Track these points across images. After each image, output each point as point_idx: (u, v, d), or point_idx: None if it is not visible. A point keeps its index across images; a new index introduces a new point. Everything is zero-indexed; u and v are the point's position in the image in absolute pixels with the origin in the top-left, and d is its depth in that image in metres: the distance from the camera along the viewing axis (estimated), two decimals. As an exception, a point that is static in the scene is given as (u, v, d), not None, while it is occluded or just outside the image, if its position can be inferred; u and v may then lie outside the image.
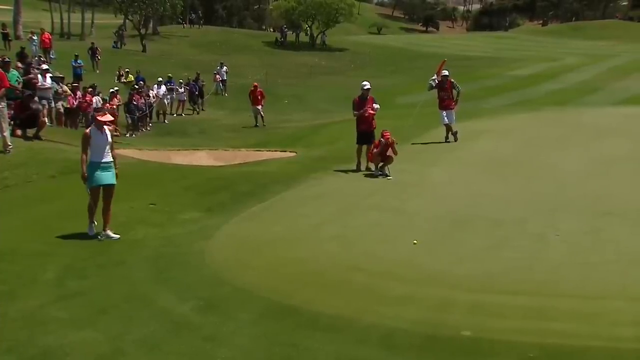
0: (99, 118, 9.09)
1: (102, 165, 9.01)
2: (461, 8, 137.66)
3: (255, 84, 28.50)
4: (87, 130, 9.13)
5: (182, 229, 9.69)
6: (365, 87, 14.16)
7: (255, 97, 27.04)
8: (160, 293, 7.09)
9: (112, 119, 9.26)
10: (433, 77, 17.14)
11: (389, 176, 13.24)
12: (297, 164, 15.36)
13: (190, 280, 7.47)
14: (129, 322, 6.30)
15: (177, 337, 6.01)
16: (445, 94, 17.01)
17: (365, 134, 13.92)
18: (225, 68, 38.54)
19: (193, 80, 32.99)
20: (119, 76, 34.13)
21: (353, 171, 13.89)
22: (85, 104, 22.89)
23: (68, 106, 21.70)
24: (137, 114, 24.97)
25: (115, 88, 25.99)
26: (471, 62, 49.88)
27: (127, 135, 24.33)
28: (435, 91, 17.22)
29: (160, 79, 29.98)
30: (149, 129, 26.78)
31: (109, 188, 9.13)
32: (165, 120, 28.88)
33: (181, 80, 31.97)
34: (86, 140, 8.99)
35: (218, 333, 6.08)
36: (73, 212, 9.90)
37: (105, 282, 7.40)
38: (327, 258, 8.16)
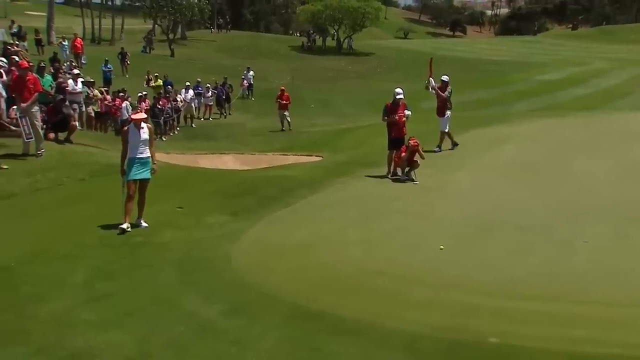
0: (133, 116, 9.65)
1: (138, 160, 9.52)
2: (489, 12, 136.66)
3: (282, 88, 28.60)
4: (126, 129, 9.64)
5: (208, 233, 9.76)
6: (398, 96, 14.00)
7: (281, 102, 27.16)
8: (186, 296, 7.15)
9: (144, 116, 9.65)
10: (429, 83, 16.65)
11: (415, 181, 13.19)
12: (323, 168, 15.37)
13: (216, 283, 7.52)
14: (155, 324, 6.36)
15: (203, 340, 6.06)
16: (441, 100, 16.60)
17: (397, 140, 13.86)
18: (251, 72, 38.78)
19: (220, 85, 33.25)
20: (148, 80, 34.54)
21: (381, 176, 13.85)
22: (115, 107, 23.22)
23: (98, 110, 22.02)
24: (162, 118, 25.21)
25: (144, 92, 26.29)
26: (498, 67, 49.50)
27: (156, 139, 24.58)
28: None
29: (188, 83, 30.26)
30: (176, 132, 27.01)
31: (143, 182, 9.66)
32: (193, 124, 29.10)
33: (208, 85, 32.22)
34: (124, 137, 9.56)
35: (243, 337, 6.11)
36: (102, 214, 10.04)
37: (132, 285, 7.48)
38: (351, 262, 8.16)
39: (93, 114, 21.20)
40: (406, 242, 9.04)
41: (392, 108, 14.01)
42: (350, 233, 9.55)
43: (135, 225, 9.64)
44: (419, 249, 8.69)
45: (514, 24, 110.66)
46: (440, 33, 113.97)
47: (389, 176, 13.82)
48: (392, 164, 13.91)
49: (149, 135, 9.66)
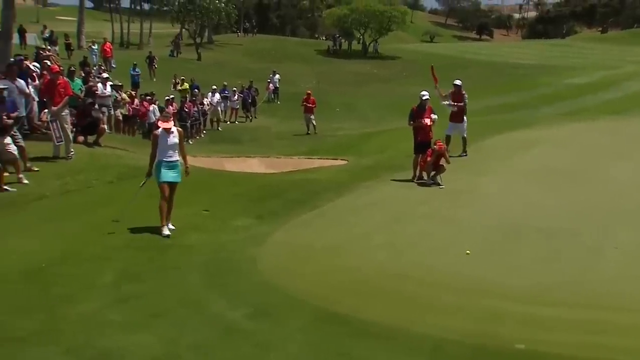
0: (161, 124, 9.64)
1: (166, 163, 9.56)
2: (516, 16, 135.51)
3: (308, 91, 28.69)
4: (157, 132, 9.67)
5: (234, 236, 9.81)
6: (424, 97, 13.99)
7: (307, 105, 27.21)
8: (212, 299, 7.19)
9: (169, 127, 9.56)
10: (445, 98, 16.17)
11: (441, 185, 13.13)
12: (348, 172, 15.37)
13: (242, 286, 7.56)
14: (182, 326, 6.41)
15: (229, 343, 6.09)
16: (455, 105, 16.18)
17: (423, 144, 13.79)
18: (277, 76, 38.96)
19: (246, 88, 33.47)
20: (175, 84, 34.88)
21: (407, 181, 13.80)
22: (143, 110, 23.45)
23: (126, 113, 22.27)
24: (189, 122, 25.42)
25: (171, 96, 26.54)
26: (526, 71, 49.02)
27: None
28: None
29: (214, 86, 30.51)
30: (203, 136, 27.22)
31: (172, 186, 9.70)
32: (219, 128, 29.32)
33: (235, 88, 32.45)
34: (154, 140, 9.63)
35: (269, 340, 6.13)
36: (130, 217, 10.15)
37: (159, 287, 7.55)
38: (376, 266, 8.15)
39: (121, 117, 21.42)
40: (432, 247, 9.00)
41: (418, 112, 13.96)
42: (376, 237, 9.54)
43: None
44: (445, 254, 8.64)
45: (542, 28, 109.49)
46: (466, 37, 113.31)
47: (415, 180, 13.77)
48: (418, 168, 13.86)
49: (179, 139, 9.69)
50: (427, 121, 13.90)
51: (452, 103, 16.04)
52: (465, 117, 16.26)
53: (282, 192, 12.83)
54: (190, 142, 24.70)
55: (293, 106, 31.22)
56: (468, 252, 8.52)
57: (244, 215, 11.03)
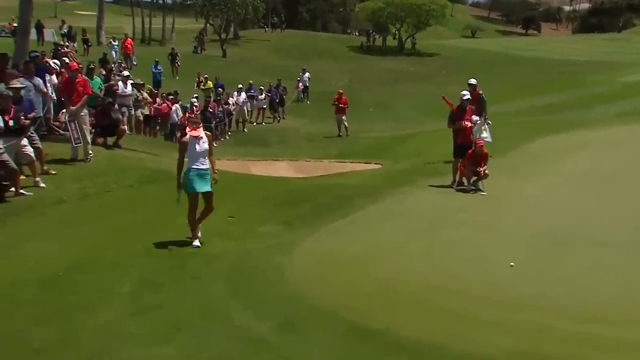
0: (189, 132, 9.49)
1: (197, 172, 9.42)
2: (567, 8, 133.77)
3: (340, 90, 28.74)
4: (185, 139, 9.62)
5: (260, 243, 9.89)
6: (465, 98, 13.95)
7: (339, 105, 27.29)
8: (236, 310, 7.25)
9: (198, 134, 9.43)
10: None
11: (483, 191, 13.07)
12: (382, 177, 15.38)
13: (267, 297, 7.60)
14: (204, 339, 6.48)
15: (254, 356, 6.13)
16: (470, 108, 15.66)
17: (463, 147, 13.73)
18: (307, 74, 39.08)
19: (274, 87, 33.64)
20: (198, 82, 35.22)
21: (445, 186, 13.76)
22: (165, 110, 23.70)
23: (148, 113, 22.53)
24: (214, 122, 25.67)
25: (195, 96, 26.81)
26: (576, 68, 48.46)
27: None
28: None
29: (240, 85, 30.75)
30: (227, 137, 27.45)
31: (205, 195, 9.56)
32: (245, 129, 29.53)
33: (262, 87, 32.63)
34: (183, 147, 9.53)
35: (296, 354, 6.16)
36: (150, 223, 10.31)
37: (180, 297, 7.64)
38: (412, 277, 8.13)
39: (142, 118, 21.67)
40: (472, 257, 8.95)
41: (459, 113, 13.91)
42: (412, 246, 9.53)
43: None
44: (487, 265, 8.58)
45: (595, 21, 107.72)
46: (511, 31, 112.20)
47: (454, 186, 13.72)
48: (458, 172, 13.81)
49: (209, 144, 9.58)
50: (468, 123, 13.86)
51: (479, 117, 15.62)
52: (487, 120, 15.97)
53: (312, 197, 12.89)
54: (215, 144, 24.83)
55: (323, 106, 31.29)
56: (512, 264, 8.45)
57: (271, 222, 11.11)
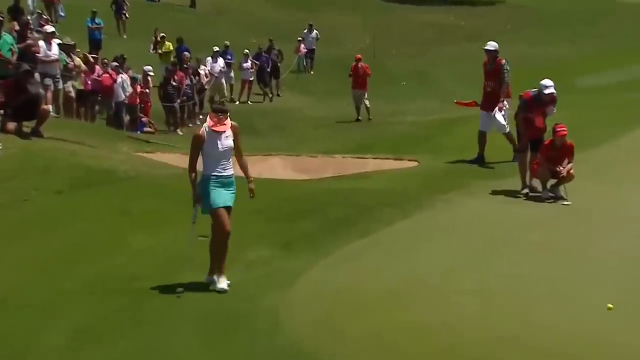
0: (212, 126, 9.26)
1: (218, 179, 9.33)
2: None
3: (358, 56, 28.66)
4: (200, 131, 9.34)
5: (246, 274, 9.86)
6: (548, 92, 13.79)
7: (357, 77, 27.20)
8: (212, 372, 7.25)
9: (224, 129, 9.28)
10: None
11: (566, 200, 13.05)
12: (419, 179, 15.35)
13: (258, 352, 7.58)
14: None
15: None
16: (489, 84, 16.49)
17: (534, 141, 13.74)
18: (314, 33, 38.93)
19: (264, 51, 33.51)
20: (155, 43, 34.98)
21: (510, 192, 13.75)
22: (107, 83, 23.60)
23: (82, 87, 22.46)
24: (178, 102, 25.71)
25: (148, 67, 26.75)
26: None
27: (167, 132, 25.02)
28: None
29: (215, 48, 30.67)
30: (199, 122, 27.42)
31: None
32: (223, 111, 29.47)
33: (247, 51, 32.49)
34: (198, 145, 9.25)
35: None
36: (88, 245, 10.28)
37: (134, 351, 7.62)
38: (463, 324, 8.10)
39: (74, 94, 21.59)
40: (551, 295, 8.91)
41: (534, 104, 13.85)
42: (462, 278, 9.49)
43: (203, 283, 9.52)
44: (572, 308, 8.55)
45: None
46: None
47: (523, 192, 13.71)
48: (528, 173, 13.77)
49: (235, 140, 9.42)
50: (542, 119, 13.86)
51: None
52: (505, 103, 16.26)
53: (319, 208, 12.86)
54: (181, 133, 24.91)
55: (335, 78, 31.27)
56: (610, 305, 8.41)
57: (263, 243, 11.08)
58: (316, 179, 16.29)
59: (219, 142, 9.24)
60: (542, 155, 13.31)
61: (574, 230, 11.49)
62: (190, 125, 26.55)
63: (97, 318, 8.40)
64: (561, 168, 13.12)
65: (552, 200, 13.14)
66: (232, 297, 9.07)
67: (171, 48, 32.51)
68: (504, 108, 16.25)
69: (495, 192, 13.81)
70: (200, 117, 27.88)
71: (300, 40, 38.45)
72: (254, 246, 10.98)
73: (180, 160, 17.19)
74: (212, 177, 9.28)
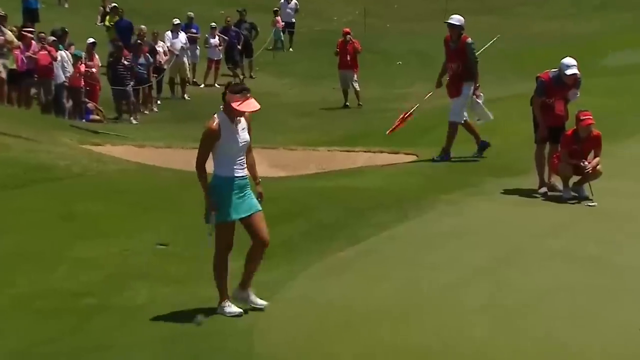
0: (236, 106, 8.94)
1: (237, 181, 9.07)
2: None
3: (346, 30, 28.68)
4: (215, 124, 8.92)
5: (215, 289, 9.81)
6: (570, 72, 13.80)
7: (345, 55, 27.24)
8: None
9: (258, 107, 9.07)
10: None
11: (591, 200, 13.14)
12: (418, 176, 15.42)
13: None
14: None
15: None
16: (453, 65, 16.77)
17: (554, 130, 13.82)
18: (293, 3, 38.88)
19: (234, 25, 33.44)
20: (103, 14, 34.81)
21: (526, 192, 13.84)
22: (45, 62, 23.47)
23: (14, 67, 22.36)
24: (131, 84, 25.74)
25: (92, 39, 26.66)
26: None
27: (117, 121, 24.96)
28: None
29: (176, 21, 30.60)
30: (155, 109, 27.42)
31: (253, 220, 9.22)
32: (185, 95, 29.47)
33: (214, 24, 32.44)
34: (212, 140, 8.93)
35: None
36: (25, 256, 10.25)
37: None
38: (470, 347, 8.14)
39: (4, 75, 21.52)
40: (575, 313, 8.95)
41: (555, 88, 13.90)
42: (469, 293, 9.54)
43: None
44: (601, 326, 8.59)
45: None
46: None
47: (541, 191, 13.81)
48: (546, 169, 13.86)
49: (249, 132, 9.21)
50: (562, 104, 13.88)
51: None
52: (472, 89, 16.52)
53: (303, 210, 12.92)
54: (134, 121, 24.87)
55: (319, 56, 31.28)
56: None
57: (234, 252, 11.07)
58: (296, 176, 16.32)
59: (237, 135, 8.98)
60: (563, 148, 13.36)
61: (600, 236, 11.53)
62: (147, 112, 26.52)
63: (35, 342, 8.39)
64: (586, 163, 13.16)
65: (575, 201, 13.23)
66: (199, 315, 9.08)
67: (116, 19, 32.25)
68: (480, 96, 16.61)
69: (507, 192, 13.91)
70: (158, 102, 27.87)
71: (276, 11, 38.42)
72: (224, 256, 10.98)
73: (134, 153, 17.24)
74: (229, 180, 8.99)
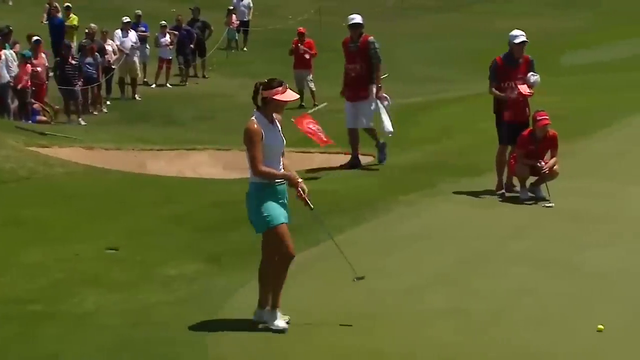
0: (279, 97, 8.75)
1: (277, 186, 8.87)
2: None
3: (301, 29, 28.68)
4: (254, 124, 8.68)
5: (166, 295, 9.79)
6: (518, 40, 13.88)
7: (300, 55, 27.23)
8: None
9: (297, 96, 9.03)
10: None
11: (548, 201, 13.21)
12: (377, 178, 15.43)
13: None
14: None
15: None
16: (354, 67, 16.82)
17: (514, 127, 13.75)
18: (247, 1, 38.84)
19: (187, 23, 33.36)
20: (50, 11, 34.63)
21: (486, 193, 13.88)
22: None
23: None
24: (79, 84, 25.52)
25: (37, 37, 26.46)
26: None
27: (66, 122, 24.77)
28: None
29: (126, 19, 30.43)
30: (104, 110, 27.25)
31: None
32: (136, 96, 29.34)
33: (163, 23, 32.29)
34: (258, 138, 8.64)
35: None
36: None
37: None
38: (432, 352, 8.11)
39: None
40: (538, 317, 8.97)
41: (506, 68, 13.90)
42: (430, 297, 9.55)
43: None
44: (564, 330, 8.63)
45: None
46: None
47: (499, 192, 13.85)
48: (506, 169, 13.89)
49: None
50: (523, 88, 13.78)
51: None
52: (374, 91, 16.64)
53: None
54: (83, 122, 24.71)
55: (273, 56, 31.25)
56: (601, 326, 8.49)
57: (185, 257, 11.03)
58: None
59: (278, 133, 8.80)
60: (519, 149, 13.40)
61: (562, 238, 11.61)
62: (95, 113, 26.34)
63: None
64: (543, 163, 13.23)
65: (532, 202, 13.30)
66: (146, 324, 9.00)
67: (75, 23, 32.16)
68: (386, 98, 16.72)
69: (466, 193, 13.96)
70: (108, 103, 27.70)
71: (230, 9, 38.34)
72: (175, 260, 10.93)
73: (82, 155, 17.09)
74: (270, 184, 8.80)
